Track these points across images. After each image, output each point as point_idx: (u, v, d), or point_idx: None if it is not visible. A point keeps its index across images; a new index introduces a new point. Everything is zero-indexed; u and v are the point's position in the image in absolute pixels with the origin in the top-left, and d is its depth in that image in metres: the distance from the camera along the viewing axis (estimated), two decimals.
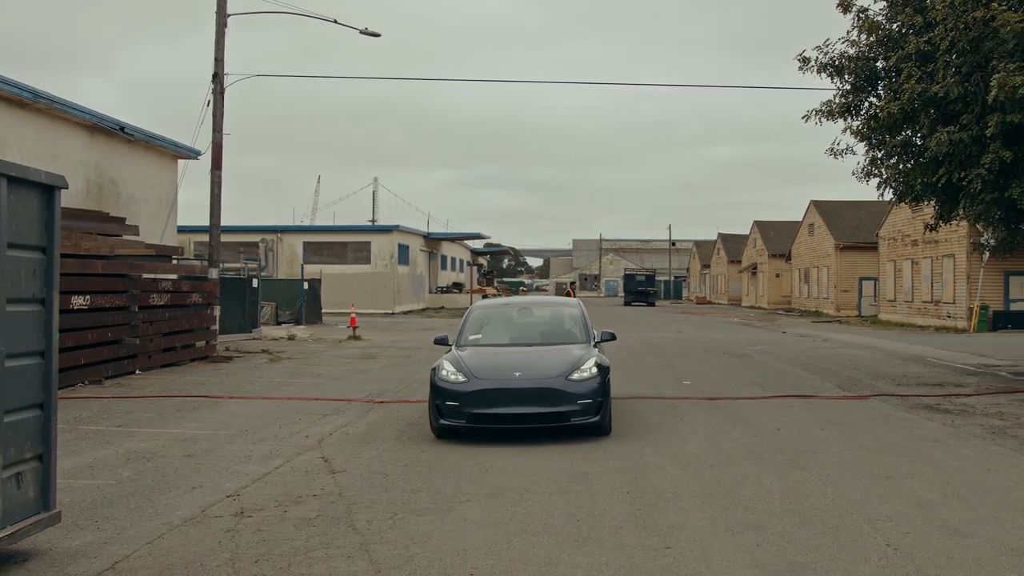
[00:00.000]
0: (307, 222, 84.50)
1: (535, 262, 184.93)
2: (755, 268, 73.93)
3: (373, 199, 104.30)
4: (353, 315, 31.64)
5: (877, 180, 16.84)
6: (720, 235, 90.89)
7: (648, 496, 7.91)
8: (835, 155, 16.82)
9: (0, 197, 5.71)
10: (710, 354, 23.66)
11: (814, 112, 16.37)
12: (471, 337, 12.29)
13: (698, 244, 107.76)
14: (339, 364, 21.09)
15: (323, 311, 40.93)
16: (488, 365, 10.98)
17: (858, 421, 12.24)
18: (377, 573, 5.87)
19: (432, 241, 66.01)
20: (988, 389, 15.90)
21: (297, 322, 36.67)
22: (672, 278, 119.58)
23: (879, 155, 16.72)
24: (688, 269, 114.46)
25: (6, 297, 5.81)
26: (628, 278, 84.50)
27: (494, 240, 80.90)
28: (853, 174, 16.95)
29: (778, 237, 69.00)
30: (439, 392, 10.73)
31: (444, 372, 10.91)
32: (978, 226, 16.34)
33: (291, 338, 29.45)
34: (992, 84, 12.72)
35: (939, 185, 14.81)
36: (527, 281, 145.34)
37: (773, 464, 9.29)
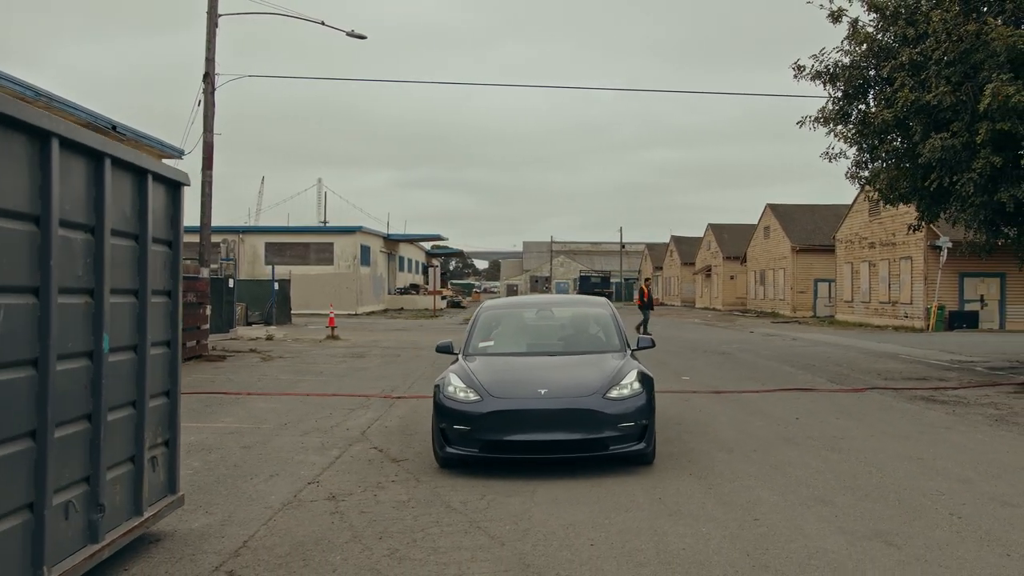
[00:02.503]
0: (251, 223, 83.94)
1: (481, 264, 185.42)
2: (709, 270, 75.30)
3: (323, 200, 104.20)
4: (332, 315, 31.87)
5: (864, 182, 17.65)
6: (673, 237, 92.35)
7: (711, 477, 8.46)
8: (830, 159, 17.67)
9: (146, 194, 6.06)
10: (695, 352, 24.38)
11: (809, 119, 17.20)
12: (481, 344, 10.44)
13: (650, 246, 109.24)
14: (334, 363, 21.36)
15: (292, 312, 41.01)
16: (505, 380, 9.07)
17: (866, 411, 12.95)
18: (501, 545, 6.32)
19: (391, 242, 66.22)
20: (971, 383, 16.79)
21: (267, 322, 36.73)
22: (623, 280, 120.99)
23: (866, 158, 17.59)
24: (639, 271, 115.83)
25: (151, 289, 6.16)
26: (583, 279, 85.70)
27: (445, 242, 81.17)
28: (845, 175, 17.78)
29: (732, 240, 70.42)
30: (445, 413, 8.81)
31: (451, 388, 8.99)
32: (966, 228, 17.11)
33: (269, 338, 29.57)
34: (986, 93, 13.54)
35: (931, 189, 15.64)
36: (475, 283, 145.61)
37: (810, 449, 9.91)
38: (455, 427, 8.69)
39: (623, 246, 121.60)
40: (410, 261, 75.86)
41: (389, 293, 64.45)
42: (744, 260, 65.52)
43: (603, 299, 12.49)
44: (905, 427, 11.50)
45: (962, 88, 14.41)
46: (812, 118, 17.14)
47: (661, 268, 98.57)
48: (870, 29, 16.43)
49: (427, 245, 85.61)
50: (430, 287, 65.31)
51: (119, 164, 5.59)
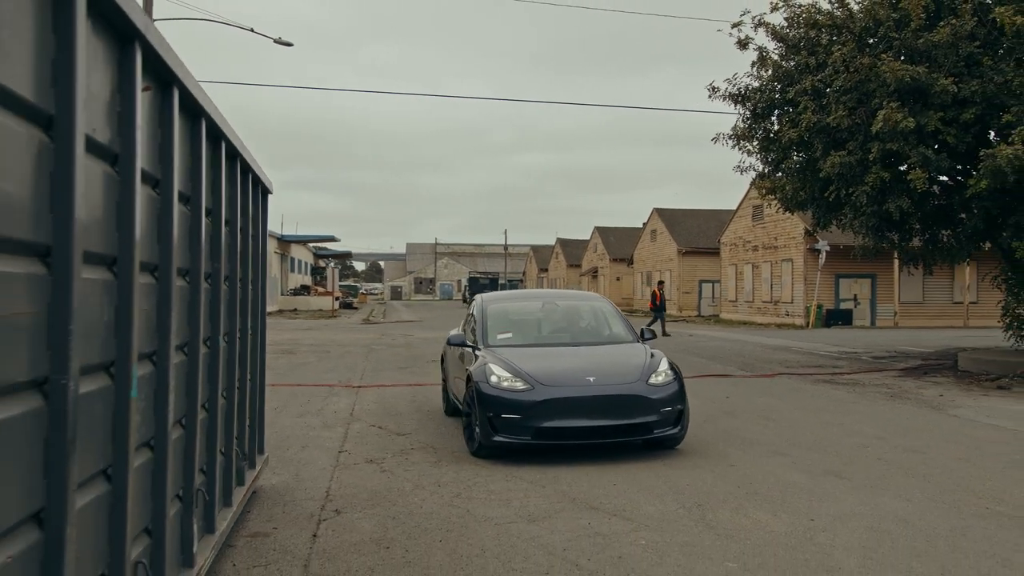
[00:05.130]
0: None
1: (360, 266, 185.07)
2: (596, 271, 78.01)
3: None
4: None
5: (768, 192, 19.87)
6: (559, 240, 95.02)
7: (690, 442, 10.17)
8: (740, 172, 19.85)
9: (258, 203, 7.35)
10: None
11: (723, 135, 19.31)
12: (500, 336, 10.60)
13: (535, 248, 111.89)
14: (271, 359, 22.24)
15: None
16: (551, 369, 9.35)
17: (782, 392, 14.98)
18: (543, 487, 7.86)
19: (284, 244, 66.41)
20: (861, 369, 19.17)
21: None
22: (507, 281, 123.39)
23: (768, 170, 19.82)
24: (524, 272, 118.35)
25: (263, 283, 7.45)
26: (472, 281, 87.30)
27: (338, 243, 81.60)
28: (752, 184, 19.95)
29: (619, 242, 73.32)
30: (492, 403, 9.00)
31: (494, 378, 9.21)
32: (855, 234, 19.47)
33: None
34: (878, 118, 15.76)
35: (829, 199, 17.88)
36: (357, 284, 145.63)
37: (749, 419, 11.77)
38: (503, 416, 8.90)
39: (507, 248, 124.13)
40: (300, 262, 76.07)
41: (282, 294, 64.69)
42: (631, 262, 68.36)
43: (596, 294, 13.58)
44: (819, 402, 13.54)
45: (857, 112, 16.63)
46: (725, 135, 19.26)
47: (546, 270, 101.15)
48: (776, 57, 18.60)
49: (315, 247, 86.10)
50: (327, 288, 65.86)
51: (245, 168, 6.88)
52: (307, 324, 42.35)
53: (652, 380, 9.22)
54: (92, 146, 2.95)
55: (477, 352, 10.19)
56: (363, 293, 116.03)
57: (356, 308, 69.21)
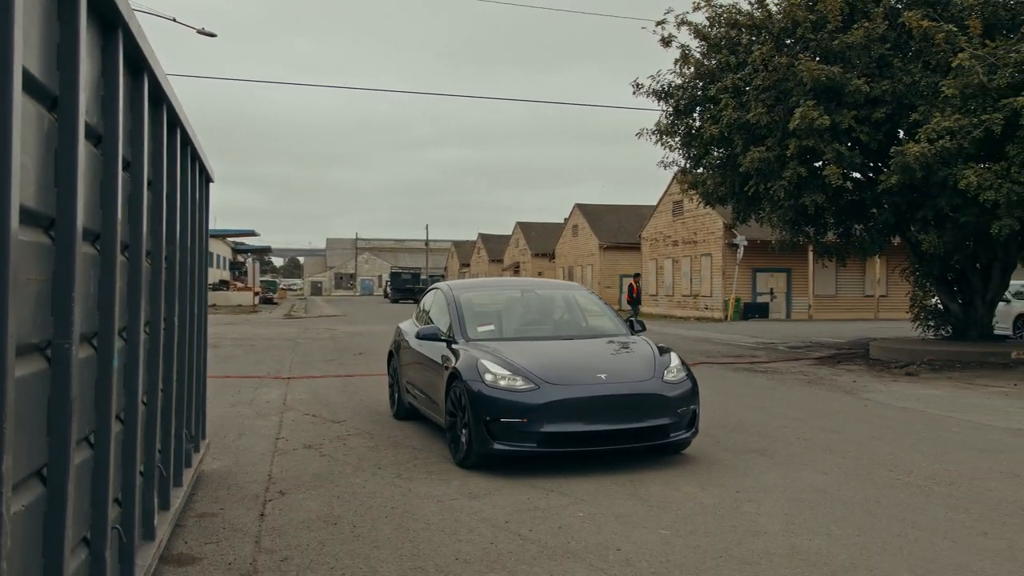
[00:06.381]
0: None
1: (278, 261, 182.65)
2: (517, 267, 78.58)
3: None
4: None
5: (690, 186, 20.46)
6: (481, 235, 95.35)
7: None
8: (664, 167, 20.43)
9: (205, 193, 7.46)
10: None
11: (646, 131, 19.82)
12: (482, 329, 9.37)
13: (456, 244, 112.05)
14: None
15: None
16: (555, 365, 8.22)
17: (704, 379, 15.26)
18: (481, 468, 8.13)
19: None
20: (779, 358, 19.89)
21: None
22: (428, 276, 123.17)
23: (690, 166, 20.41)
24: (446, 268, 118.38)
25: (206, 269, 7.55)
26: (394, 276, 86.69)
27: (258, 238, 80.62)
28: (674, 179, 20.51)
29: (541, 237, 74.00)
30: (489, 405, 7.82)
31: (490, 376, 7.99)
32: (772, 227, 20.16)
33: None
34: (795, 116, 16.39)
35: (748, 194, 18.50)
36: (276, 280, 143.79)
37: None
38: (503, 420, 7.72)
39: (428, 243, 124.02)
40: (219, 257, 74.99)
41: None
42: (553, 257, 69.04)
43: (574, 283, 12.91)
44: (740, 388, 14.08)
45: (776, 110, 17.26)
46: (649, 130, 19.79)
47: (468, 265, 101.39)
48: (698, 55, 19.16)
49: (234, 241, 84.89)
50: (246, 283, 65.07)
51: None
52: (228, 319, 41.85)
53: (667, 377, 8.25)
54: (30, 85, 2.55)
55: (455, 346, 8.92)
56: (283, 289, 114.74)
57: (276, 304, 68.50)
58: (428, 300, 11.16)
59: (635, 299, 33.85)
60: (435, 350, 9.38)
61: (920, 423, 10.78)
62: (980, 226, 16.17)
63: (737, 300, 39.85)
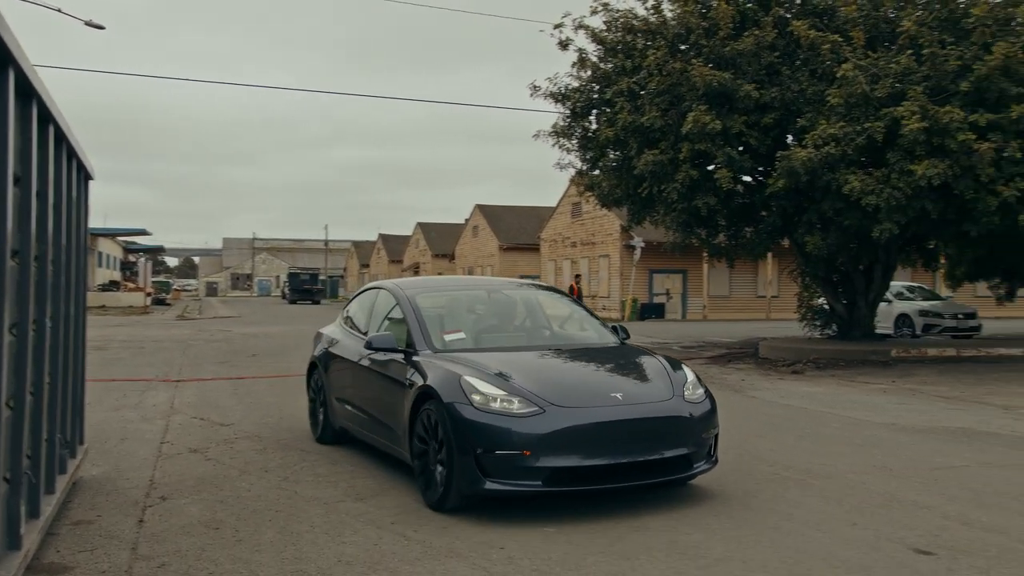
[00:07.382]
0: None
1: (172, 261, 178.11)
2: (418, 267, 78.27)
3: None
4: None
5: (586, 188, 20.71)
6: (381, 236, 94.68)
7: None
8: (560, 168, 20.62)
9: (84, 191, 7.23)
10: None
11: (543, 133, 19.98)
12: (448, 338, 7.72)
13: (356, 244, 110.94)
14: None
15: None
16: (558, 383, 6.73)
17: None
18: (367, 467, 8.07)
19: (91, 237, 63.28)
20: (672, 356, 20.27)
21: None
22: (328, 277, 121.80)
23: (586, 168, 20.67)
24: (345, 268, 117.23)
25: (84, 270, 7.31)
26: (292, 276, 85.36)
27: (150, 237, 78.38)
28: (571, 182, 20.73)
29: (441, 238, 73.88)
30: (480, 433, 6.27)
31: (479, 397, 6.41)
32: (666, 229, 20.54)
33: None
34: (688, 120, 16.74)
35: (642, 196, 18.81)
36: (170, 280, 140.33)
37: None
38: (499, 452, 6.20)
39: (327, 244, 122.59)
40: (109, 257, 72.74)
41: (89, 290, 61.71)
42: (453, 258, 69.01)
43: (540, 282, 11.95)
44: None
45: (669, 114, 17.59)
46: (546, 132, 19.95)
47: (368, 265, 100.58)
48: (594, 58, 19.40)
49: (125, 241, 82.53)
50: (138, 283, 63.27)
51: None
52: (117, 321, 40.62)
53: (687, 396, 6.90)
54: None
55: (417, 359, 7.29)
56: (176, 289, 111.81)
57: (170, 304, 66.71)
58: (364, 302, 9.47)
59: (576, 302, 33.78)
60: (390, 363, 7.72)
61: (803, 419, 11.15)
62: (862, 229, 16.81)
63: (634, 301, 40.50)
